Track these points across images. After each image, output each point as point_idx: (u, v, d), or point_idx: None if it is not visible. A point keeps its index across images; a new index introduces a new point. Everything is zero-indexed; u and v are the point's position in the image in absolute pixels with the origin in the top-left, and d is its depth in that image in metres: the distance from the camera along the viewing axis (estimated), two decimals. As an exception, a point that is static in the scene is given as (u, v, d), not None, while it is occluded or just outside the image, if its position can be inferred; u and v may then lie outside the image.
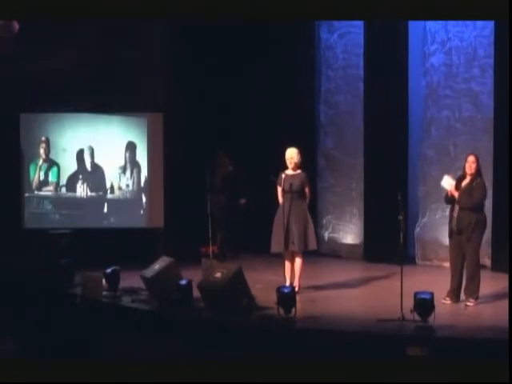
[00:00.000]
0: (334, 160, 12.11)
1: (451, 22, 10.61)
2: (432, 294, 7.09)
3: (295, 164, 8.82)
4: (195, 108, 11.64)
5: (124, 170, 11.41)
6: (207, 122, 11.66)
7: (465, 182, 8.17)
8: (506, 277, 8.90)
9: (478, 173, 8.13)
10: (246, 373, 5.82)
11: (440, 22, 10.65)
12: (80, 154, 11.35)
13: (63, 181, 11.34)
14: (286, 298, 7.51)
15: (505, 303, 7.89)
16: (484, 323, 7.53)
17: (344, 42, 11.91)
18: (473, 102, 10.61)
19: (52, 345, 6.30)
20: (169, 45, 11.67)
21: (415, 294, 7.11)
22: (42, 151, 11.27)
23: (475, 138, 10.53)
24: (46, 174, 11.31)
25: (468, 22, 10.47)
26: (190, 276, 8.53)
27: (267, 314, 7.72)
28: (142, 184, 11.44)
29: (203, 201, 10.08)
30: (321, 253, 11.71)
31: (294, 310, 7.49)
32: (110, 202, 11.43)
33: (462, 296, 8.19)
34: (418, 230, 11.07)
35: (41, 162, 11.29)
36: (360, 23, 11.38)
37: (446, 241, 8.48)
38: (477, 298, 8.12)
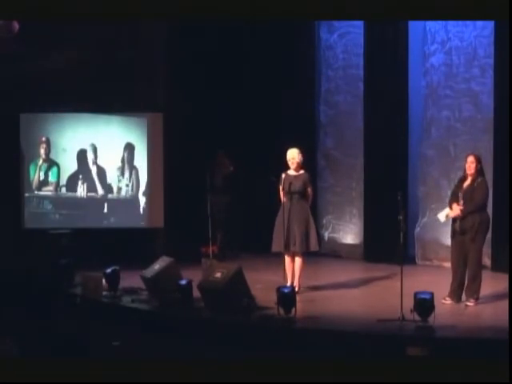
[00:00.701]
0: (333, 160, 12.11)
1: (451, 22, 10.61)
2: (432, 294, 7.10)
3: (297, 164, 8.81)
4: (195, 108, 11.64)
5: (122, 171, 11.40)
6: (207, 122, 11.66)
7: (466, 183, 8.16)
8: (506, 277, 8.90)
9: (479, 173, 8.12)
10: (246, 373, 5.81)
11: (440, 22, 10.65)
12: (81, 154, 11.35)
13: (63, 181, 11.34)
14: (286, 297, 7.51)
15: (505, 303, 7.89)
16: (484, 323, 7.53)
17: (344, 42, 11.91)
18: (473, 102, 10.61)
19: (52, 345, 6.29)
20: (169, 45, 11.68)
21: (415, 294, 7.12)
22: (42, 151, 11.27)
23: (475, 138, 10.53)
24: (46, 174, 11.31)
25: (468, 22, 10.47)
26: (190, 276, 8.53)
27: (267, 313, 7.73)
28: (142, 184, 11.44)
29: (203, 201, 10.08)
30: (321, 253, 11.66)
31: (294, 309, 7.50)
32: (110, 202, 11.43)
33: (463, 296, 8.19)
34: (417, 229, 11.07)
35: (41, 161, 11.30)
36: (360, 23, 11.39)
37: (446, 241, 8.49)
38: (477, 299, 8.12)
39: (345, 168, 11.98)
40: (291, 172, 8.82)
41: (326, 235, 12.19)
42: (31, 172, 11.29)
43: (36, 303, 8.82)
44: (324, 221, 12.20)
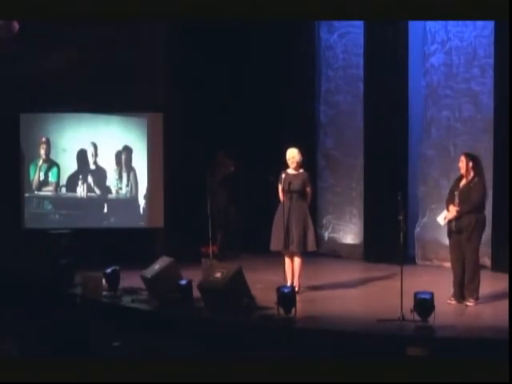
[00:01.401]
0: (333, 160, 12.11)
1: (451, 22, 10.61)
2: (432, 294, 7.09)
3: (297, 163, 8.80)
4: (195, 108, 11.64)
5: (120, 174, 11.40)
6: (207, 122, 11.66)
7: (462, 183, 8.17)
8: (506, 277, 8.90)
9: (475, 172, 8.10)
10: (246, 373, 5.81)
11: (440, 21, 10.65)
12: (81, 154, 11.35)
13: (63, 181, 11.34)
14: (286, 297, 7.51)
15: (505, 303, 7.89)
16: (484, 323, 7.53)
17: (344, 42, 11.91)
18: (473, 102, 10.61)
19: (52, 345, 6.29)
20: (169, 45, 11.67)
21: (415, 294, 7.12)
22: (42, 152, 11.27)
23: (475, 138, 10.53)
24: (46, 175, 11.31)
25: (468, 22, 10.47)
26: (190, 276, 8.53)
27: (267, 313, 7.73)
28: (142, 185, 11.43)
29: (203, 201, 10.07)
30: (321, 253, 11.71)
31: (294, 309, 7.50)
32: (110, 202, 11.43)
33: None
34: (417, 229, 11.07)
35: (41, 162, 11.29)
36: (360, 23, 11.39)
37: (446, 241, 8.48)
38: (477, 298, 8.12)
39: (345, 168, 11.98)
40: (290, 171, 8.82)
41: (326, 235, 12.19)
42: (31, 172, 11.29)
43: (36, 303, 8.81)
44: (324, 221, 12.20)
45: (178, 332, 7.82)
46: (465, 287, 8.15)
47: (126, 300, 8.73)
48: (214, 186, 10.83)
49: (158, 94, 11.65)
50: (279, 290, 7.58)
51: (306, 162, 9.19)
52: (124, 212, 11.45)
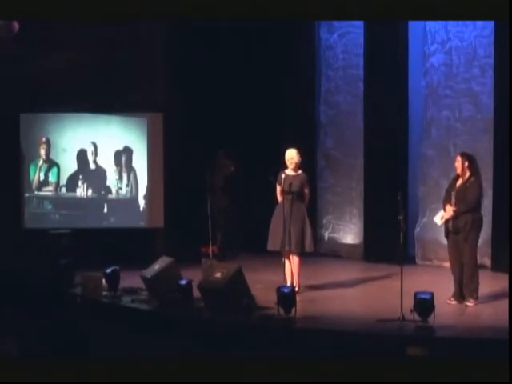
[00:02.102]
0: (333, 160, 12.11)
1: (451, 22, 10.62)
2: (432, 294, 7.09)
3: (296, 164, 8.80)
4: (195, 108, 11.64)
5: (120, 175, 11.40)
6: (207, 122, 11.66)
7: (459, 183, 8.18)
8: (506, 277, 8.90)
9: (471, 172, 8.11)
10: (246, 373, 5.81)
11: (440, 21, 10.65)
12: (81, 154, 11.35)
13: (63, 181, 11.34)
14: (286, 297, 7.51)
15: (505, 303, 7.89)
16: (484, 323, 7.53)
17: (344, 42, 11.91)
18: (473, 102, 10.61)
19: (52, 345, 6.29)
20: (169, 45, 11.68)
21: (415, 294, 7.12)
22: (42, 152, 11.27)
23: (475, 138, 10.54)
24: (46, 175, 11.31)
25: (468, 22, 10.47)
26: (190, 276, 8.52)
27: (267, 313, 7.73)
28: (142, 185, 11.43)
29: (203, 201, 10.07)
30: (321, 253, 11.74)
31: (294, 309, 7.50)
32: (110, 202, 11.43)
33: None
34: (417, 229, 11.07)
35: (41, 162, 11.29)
36: (360, 23, 11.39)
37: (446, 241, 8.49)
38: (476, 298, 8.12)
39: (345, 168, 11.98)
40: (289, 172, 8.81)
41: (326, 235, 12.19)
42: (31, 172, 11.29)
43: (36, 303, 8.81)
44: (324, 221, 12.20)
45: (177, 332, 7.82)
46: (464, 287, 8.15)
47: (126, 300, 8.73)
48: (214, 186, 10.84)
49: (158, 93, 11.65)
50: (279, 289, 7.58)
51: (306, 162, 9.19)
52: (124, 212, 11.45)
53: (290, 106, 12.07)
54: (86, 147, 11.35)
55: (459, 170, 8.13)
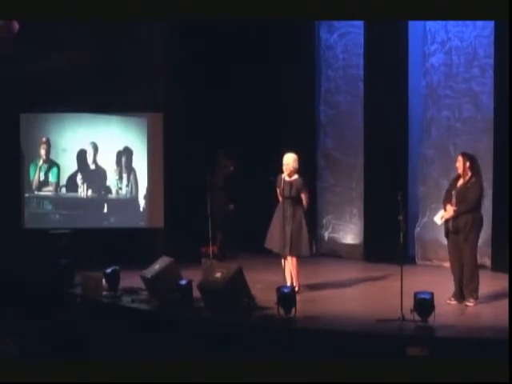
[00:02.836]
0: (334, 160, 12.11)
1: (451, 22, 10.62)
2: (432, 294, 7.10)
3: (291, 171, 8.75)
4: (195, 108, 11.64)
5: (120, 175, 11.39)
6: (207, 122, 11.66)
7: (459, 183, 8.19)
8: (506, 277, 8.90)
9: (472, 172, 8.12)
10: (246, 373, 5.81)
11: (440, 21, 10.65)
12: (81, 154, 11.34)
13: (63, 181, 11.34)
14: (286, 297, 7.52)
15: (505, 303, 7.89)
16: (484, 323, 7.53)
17: (344, 42, 11.91)
18: (473, 102, 10.61)
19: (52, 345, 6.29)
20: (169, 45, 11.67)
21: (415, 294, 7.12)
22: (43, 152, 11.26)
23: (475, 138, 10.54)
24: (46, 175, 11.31)
25: (468, 22, 10.47)
26: (190, 276, 8.53)
27: (267, 313, 7.73)
28: (142, 185, 11.43)
29: (203, 201, 10.07)
30: (321, 253, 11.72)
31: (294, 309, 7.50)
32: (109, 202, 11.43)
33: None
34: (417, 229, 11.07)
35: (41, 162, 11.29)
36: (360, 23, 11.38)
37: (446, 241, 8.49)
38: (476, 298, 8.13)
39: (345, 168, 11.98)
40: (285, 177, 8.79)
41: (326, 235, 12.19)
42: (31, 172, 11.29)
43: (36, 303, 8.81)
44: (324, 221, 12.20)
45: (178, 332, 7.82)
46: (464, 287, 8.15)
47: (126, 300, 8.74)
48: (214, 186, 10.83)
49: (158, 93, 11.65)
50: (279, 289, 7.58)
51: (306, 162, 9.18)
52: (124, 212, 11.45)
53: (290, 105, 12.07)
54: (86, 147, 11.35)
55: (460, 170, 8.13)
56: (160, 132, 11.35)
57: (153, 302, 8.59)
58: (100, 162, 11.39)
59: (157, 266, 8.78)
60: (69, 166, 11.35)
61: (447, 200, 8.22)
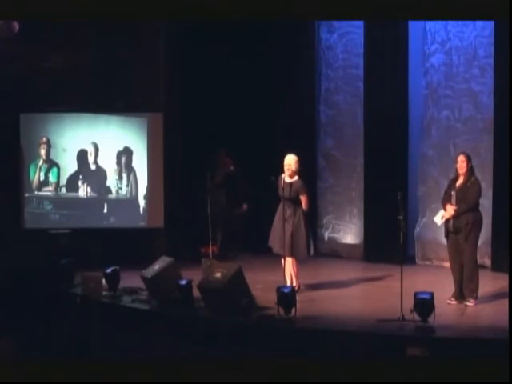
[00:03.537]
0: (334, 160, 12.11)
1: (451, 22, 10.61)
2: (432, 294, 7.10)
3: (292, 172, 8.74)
4: (195, 108, 11.64)
5: (120, 175, 11.38)
6: (207, 122, 11.65)
7: (459, 182, 8.20)
8: (506, 277, 8.91)
9: (471, 171, 8.15)
10: (246, 373, 5.82)
11: (440, 21, 10.65)
12: (81, 154, 11.34)
13: (63, 181, 11.33)
14: (286, 297, 7.52)
15: (505, 303, 7.89)
16: (484, 323, 7.54)
17: (344, 42, 11.90)
18: (473, 101, 10.61)
19: (52, 345, 6.30)
20: (169, 45, 11.67)
21: (415, 294, 7.12)
22: (43, 152, 11.24)
23: (475, 138, 10.54)
24: (46, 175, 11.30)
25: (468, 22, 10.47)
26: (190, 276, 8.53)
27: (267, 314, 7.73)
28: (142, 184, 11.42)
29: (203, 201, 10.07)
30: (321, 253, 11.73)
31: (294, 309, 7.50)
32: (109, 202, 11.42)
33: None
34: (417, 230, 11.07)
35: (41, 162, 11.28)
36: (360, 23, 11.38)
37: (446, 241, 8.49)
38: (476, 298, 8.13)
39: (345, 168, 11.97)
40: (286, 178, 8.78)
41: (326, 235, 12.19)
42: (31, 172, 11.28)
43: (36, 303, 8.81)
44: (324, 221, 12.20)
45: (178, 332, 7.82)
46: (464, 287, 8.16)
47: (126, 300, 8.74)
48: (214, 186, 10.83)
49: (158, 94, 11.64)
50: (279, 290, 7.58)
51: (306, 162, 9.17)
52: (124, 212, 11.44)
53: (289, 105, 12.06)
54: (86, 147, 11.34)
55: (463, 170, 8.13)
56: (160, 132, 11.34)
57: (153, 302, 8.59)
58: (100, 162, 11.38)
59: (157, 266, 8.77)
60: (69, 166, 11.34)
61: (446, 200, 8.23)
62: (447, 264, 8.67)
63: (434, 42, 10.86)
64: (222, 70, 11.82)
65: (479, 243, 8.38)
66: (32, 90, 10.88)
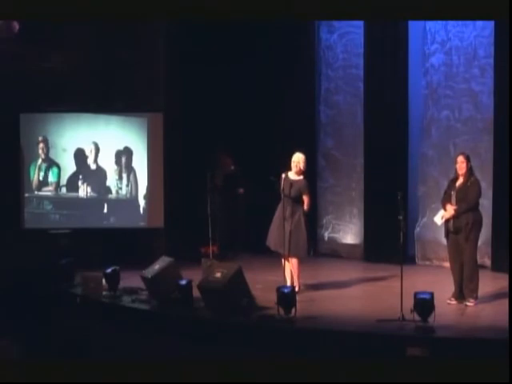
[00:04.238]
0: (334, 160, 12.11)
1: (451, 22, 10.62)
2: (432, 294, 7.10)
3: (299, 169, 8.77)
4: (195, 108, 11.64)
5: (120, 175, 11.38)
6: (207, 122, 11.65)
7: (459, 182, 8.20)
8: (506, 277, 8.91)
9: (470, 171, 8.16)
10: (246, 373, 5.82)
11: (440, 21, 10.65)
12: (81, 154, 11.33)
13: (63, 181, 11.33)
14: (286, 297, 7.51)
15: (505, 303, 7.89)
16: (484, 323, 7.53)
17: (344, 42, 11.91)
18: (473, 101, 10.61)
19: (52, 345, 6.30)
20: (169, 45, 11.67)
21: (415, 294, 7.12)
22: (40, 151, 11.24)
23: (475, 138, 10.54)
24: (46, 175, 11.30)
25: (468, 22, 10.48)
26: (190, 276, 8.53)
27: (267, 313, 7.73)
28: (142, 184, 11.42)
29: (203, 201, 10.07)
30: (321, 253, 11.74)
31: (294, 309, 7.50)
32: (109, 202, 11.42)
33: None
34: (417, 230, 11.07)
35: (41, 162, 11.28)
36: (360, 23, 11.38)
37: (446, 241, 8.49)
38: (476, 298, 8.13)
39: (345, 168, 11.98)
40: (291, 175, 8.77)
41: (326, 235, 12.19)
42: (31, 172, 11.28)
43: (36, 303, 8.81)
44: (324, 221, 12.20)
45: (177, 332, 7.82)
46: (464, 287, 8.16)
47: (126, 300, 8.74)
48: (215, 186, 10.83)
49: (158, 93, 11.64)
50: (279, 289, 7.58)
51: (306, 162, 9.17)
52: (124, 212, 11.44)
53: (290, 105, 12.06)
54: (86, 147, 11.34)
55: (463, 171, 8.13)
56: (160, 132, 11.34)
57: (153, 302, 8.59)
58: (100, 162, 11.38)
59: (157, 266, 8.77)
60: (69, 165, 11.34)
61: (446, 200, 8.23)
62: (447, 264, 8.67)
63: (433, 41, 10.86)
64: (222, 70, 11.82)
65: (479, 243, 8.38)
66: (32, 90, 10.88)
